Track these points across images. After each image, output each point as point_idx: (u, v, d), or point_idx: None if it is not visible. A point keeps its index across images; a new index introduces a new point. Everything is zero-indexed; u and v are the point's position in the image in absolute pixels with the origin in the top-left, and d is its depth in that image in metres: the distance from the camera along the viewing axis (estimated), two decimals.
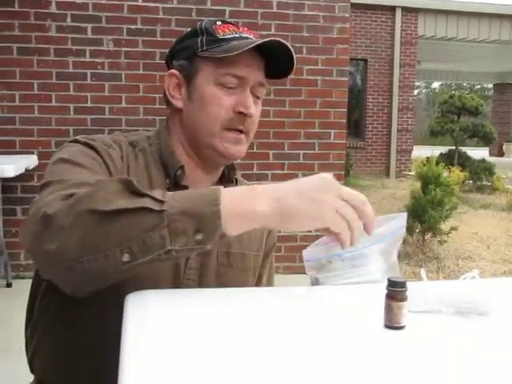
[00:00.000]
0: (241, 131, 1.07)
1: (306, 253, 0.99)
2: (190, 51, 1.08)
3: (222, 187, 0.80)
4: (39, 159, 3.58)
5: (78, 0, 3.70)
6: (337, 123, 4.19)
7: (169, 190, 1.04)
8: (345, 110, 4.23)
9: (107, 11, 3.75)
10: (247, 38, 1.06)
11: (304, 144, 4.14)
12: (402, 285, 0.76)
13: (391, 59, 11.69)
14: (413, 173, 9.66)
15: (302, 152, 4.14)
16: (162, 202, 0.76)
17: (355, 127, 11.86)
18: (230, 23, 1.10)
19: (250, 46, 1.00)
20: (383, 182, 11.14)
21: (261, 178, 4.06)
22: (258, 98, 1.10)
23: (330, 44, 4.12)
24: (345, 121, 4.25)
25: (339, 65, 4.16)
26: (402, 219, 1.02)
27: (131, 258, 0.76)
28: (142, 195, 0.78)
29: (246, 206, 0.79)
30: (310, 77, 4.10)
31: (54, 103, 3.74)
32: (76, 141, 1.03)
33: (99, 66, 3.78)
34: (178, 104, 1.10)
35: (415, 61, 12.03)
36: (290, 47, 1.05)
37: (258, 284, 1.24)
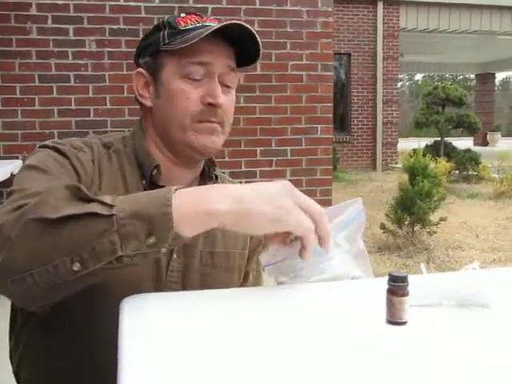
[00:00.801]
0: (213, 122, 1.04)
1: (262, 258, 0.96)
2: (154, 47, 1.05)
3: (174, 187, 0.76)
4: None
5: (59, 1, 3.65)
6: (323, 118, 4.19)
7: (145, 190, 1.02)
8: (331, 104, 4.23)
9: (89, 12, 3.70)
10: (210, 26, 1.01)
11: (291, 140, 4.14)
12: (404, 279, 0.75)
13: (374, 52, 11.74)
14: (399, 165, 9.71)
15: (289, 148, 4.14)
16: (111, 206, 0.72)
17: (341, 121, 11.91)
18: (194, 14, 1.06)
19: (207, 32, 0.97)
20: (370, 175, 11.19)
21: (249, 175, 4.04)
22: (228, 86, 1.06)
23: (314, 39, 4.11)
24: (331, 115, 4.25)
25: (324, 59, 4.16)
26: (357, 205, 1.00)
27: (82, 266, 0.72)
28: (90, 200, 0.74)
29: (202, 205, 0.75)
30: (295, 72, 4.09)
31: (37, 106, 3.69)
32: (45, 146, 1.00)
33: (82, 67, 3.73)
34: (148, 103, 1.08)
35: (398, 53, 12.09)
36: (253, 30, 1.01)
37: (244, 283, 1.21)
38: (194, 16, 1.04)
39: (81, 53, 3.72)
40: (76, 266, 0.71)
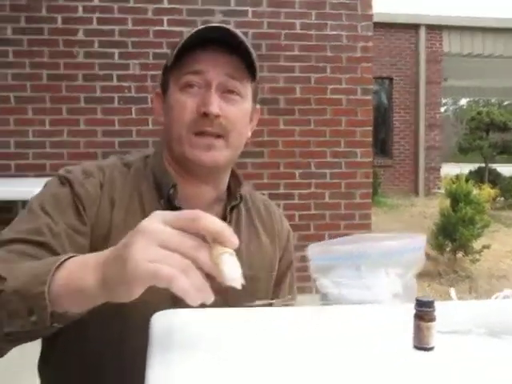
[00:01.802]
0: (217, 136, 1.01)
1: (311, 250, 0.94)
2: (164, 65, 1.07)
3: (65, 257, 0.72)
4: None
5: (105, 27, 3.78)
6: (363, 142, 4.17)
7: (163, 209, 1.01)
8: (370, 128, 4.21)
9: (133, 36, 3.82)
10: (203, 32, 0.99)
11: (330, 163, 4.12)
12: (430, 305, 0.74)
13: (416, 77, 11.65)
14: (442, 191, 9.53)
15: (328, 171, 4.12)
16: (4, 279, 0.72)
17: (382, 145, 11.81)
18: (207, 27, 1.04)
19: (183, 41, 0.97)
20: (412, 200, 11.02)
21: (288, 197, 4.04)
22: (232, 93, 1.02)
23: (354, 63, 4.11)
24: (370, 139, 4.22)
25: (363, 83, 4.15)
26: (419, 240, 0.98)
27: None
28: None
29: (76, 282, 0.68)
30: (335, 96, 4.10)
31: (82, 127, 3.80)
32: (57, 175, 1.03)
33: (126, 89, 3.84)
34: (161, 120, 1.09)
35: (441, 78, 11.95)
36: (234, 31, 0.98)
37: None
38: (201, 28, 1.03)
39: (125, 76, 3.83)
40: None
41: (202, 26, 0.97)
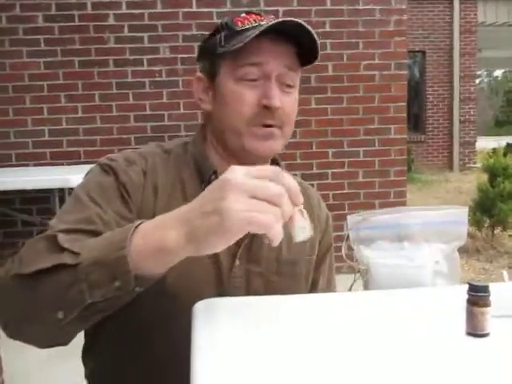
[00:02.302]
0: (271, 125, 1.00)
1: (351, 221, 0.93)
2: (211, 50, 1.02)
3: (137, 223, 0.74)
4: None
5: (135, 10, 3.78)
6: (397, 118, 4.09)
7: None
8: (404, 103, 4.12)
9: (163, 19, 3.80)
10: (265, 25, 0.95)
11: (363, 141, 4.06)
12: (485, 289, 0.72)
13: (450, 49, 11.34)
14: (478, 165, 9.33)
15: (361, 149, 4.07)
16: (78, 254, 0.74)
17: (415, 121, 11.58)
18: (253, 13, 1.02)
19: (257, 32, 0.93)
20: (446, 175, 10.81)
21: (321, 177, 4.01)
22: (289, 86, 1.01)
23: (387, 37, 4.02)
24: (405, 115, 4.14)
25: (397, 58, 4.06)
26: (461, 212, 0.96)
27: (65, 315, 0.74)
28: (62, 250, 0.76)
29: (157, 241, 0.71)
30: (368, 72, 4.02)
31: (114, 113, 3.83)
32: (99, 163, 1.03)
33: (157, 73, 3.84)
34: (207, 107, 1.06)
35: (476, 49, 11.61)
36: (307, 26, 0.96)
37: (313, 290, 1.18)
38: (253, 15, 1.01)
39: (155, 60, 3.83)
40: (60, 315, 0.74)
41: (276, 21, 0.94)
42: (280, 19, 0.95)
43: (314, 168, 4.02)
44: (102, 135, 3.83)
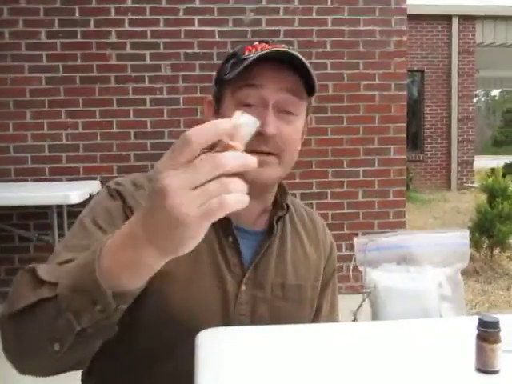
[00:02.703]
0: (268, 153, 0.99)
1: (358, 242, 0.93)
2: (220, 77, 1.04)
3: (100, 246, 0.69)
4: (102, 184, 3.67)
5: (137, 28, 3.79)
6: (396, 138, 4.10)
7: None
8: (404, 124, 4.13)
9: (164, 37, 3.82)
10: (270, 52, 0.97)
11: (363, 161, 4.06)
12: (495, 325, 0.70)
13: (448, 69, 11.42)
14: (476, 185, 9.34)
15: (361, 169, 4.06)
16: (55, 285, 0.72)
17: (413, 139, 11.63)
18: (265, 41, 1.03)
19: (253, 58, 0.94)
20: (444, 195, 10.83)
21: (320, 196, 4.00)
22: (289, 113, 1.01)
23: (387, 58, 4.04)
24: (404, 135, 4.15)
25: (397, 79, 4.07)
26: (463, 235, 0.97)
27: (61, 346, 0.72)
28: (42, 282, 0.75)
29: (127, 258, 0.66)
30: (368, 92, 4.03)
31: (115, 129, 3.83)
32: (106, 187, 1.02)
33: (158, 91, 3.85)
34: None
35: (474, 69, 11.70)
36: (301, 57, 0.96)
37: (317, 315, 1.18)
38: (263, 44, 1.02)
39: (157, 77, 3.84)
40: (56, 346, 0.72)
41: (266, 51, 0.96)
42: (273, 48, 0.97)
43: (314, 187, 4.01)
44: (102, 151, 3.82)
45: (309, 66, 0.98)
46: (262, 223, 1.10)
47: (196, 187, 0.57)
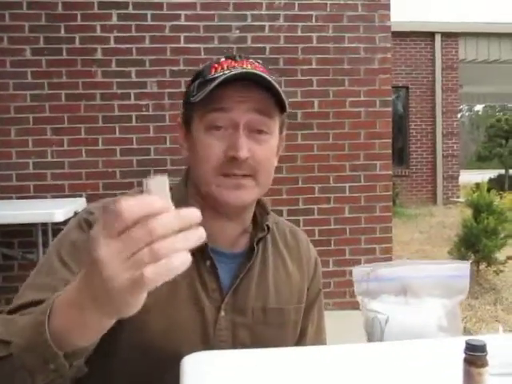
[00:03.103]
0: (244, 175, 0.98)
1: (356, 272, 0.93)
2: (186, 98, 1.03)
3: (52, 299, 0.69)
4: (88, 202, 3.63)
5: (122, 45, 3.80)
6: (382, 154, 4.12)
7: None
8: (389, 140, 4.16)
9: (150, 54, 3.82)
10: (237, 72, 0.95)
11: (349, 176, 4.08)
12: (483, 349, 0.70)
13: (433, 85, 11.57)
14: (462, 199, 9.42)
15: (347, 185, 4.08)
16: (9, 343, 0.71)
17: (399, 155, 11.71)
18: (231, 58, 1.01)
19: (216, 83, 0.92)
20: (430, 209, 10.89)
21: (307, 213, 4.00)
22: (261, 132, 0.99)
23: (372, 75, 4.07)
24: (390, 151, 4.17)
25: (382, 95, 4.11)
26: (464, 267, 0.97)
27: None
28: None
29: (74, 320, 0.65)
30: (353, 109, 4.06)
31: (100, 146, 3.81)
32: (77, 218, 1.00)
33: (143, 107, 3.84)
34: (185, 154, 1.05)
35: (457, 85, 11.85)
36: (262, 74, 0.95)
37: (301, 338, 1.15)
38: (229, 61, 1.00)
39: (142, 94, 3.83)
40: None
41: (232, 73, 0.94)
42: (239, 69, 0.95)
43: (300, 204, 4.01)
44: (88, 168, 3.80)
45: (276, 84, 0.96)
46: (241, 244, 1.08)
47: (128, 257, 0.55)
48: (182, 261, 0.55)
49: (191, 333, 0.98)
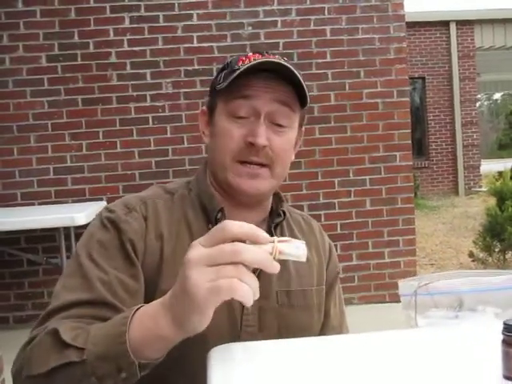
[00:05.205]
0: (261, 164, 1.00)
1: (403, 286, 0.90)
2: (213, 87, 1.05)
3: (132, 312, 0.75)
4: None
5: (136, 48, 3.81)
6: (401, 145, 4.07)
7: None
8: (409, 130, 4.11)
9: (164, 55, 3.83)
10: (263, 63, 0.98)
11: (369, 169, 4.04)
12: None
13: (450, 74, 11.42)
14: (484, 189, 9.28)
15: (367, 177, 4.04)
16: (83, 350, 0.75)
17: (418, 146, 11.59)
18: (258, 52, 1.03)
19: (242, 69, 0.95)
20: (453, 200, 10.76)
21: (328, 207, 3.97)
22: (280, 125, 1.01)
23: (388, 65, 4.03)
24: (409, 142, 4.12)
25: (399, 85, 4.06)
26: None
27: None
28: (67, 346, 0.76)
29: (152, 332, 0.73)
30: (370, 100, 4.02)
31: (118, 149, 3.83)
32: (99, 217, 1.01)
33: (160, 109, 3.85)
34: (207, 140, 1.08)
35: (475, 73, 11.69)
36: (288, 65, 0.97)
37: (326, 320, 1.16)
38: (256, 55, 1.02)
39: (158, 95, 3.84)
40: None
41: (258, 61, 0.97)
42: (266, 59, 0.97)
43: (321, 198, 3.98)
44: (107, 172, 3.82)
45: (300, 77, 0.98)
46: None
47: (212, 265, 0.65)
48: (247, 291, 0.65)
49: (219, 319, 0.97)
